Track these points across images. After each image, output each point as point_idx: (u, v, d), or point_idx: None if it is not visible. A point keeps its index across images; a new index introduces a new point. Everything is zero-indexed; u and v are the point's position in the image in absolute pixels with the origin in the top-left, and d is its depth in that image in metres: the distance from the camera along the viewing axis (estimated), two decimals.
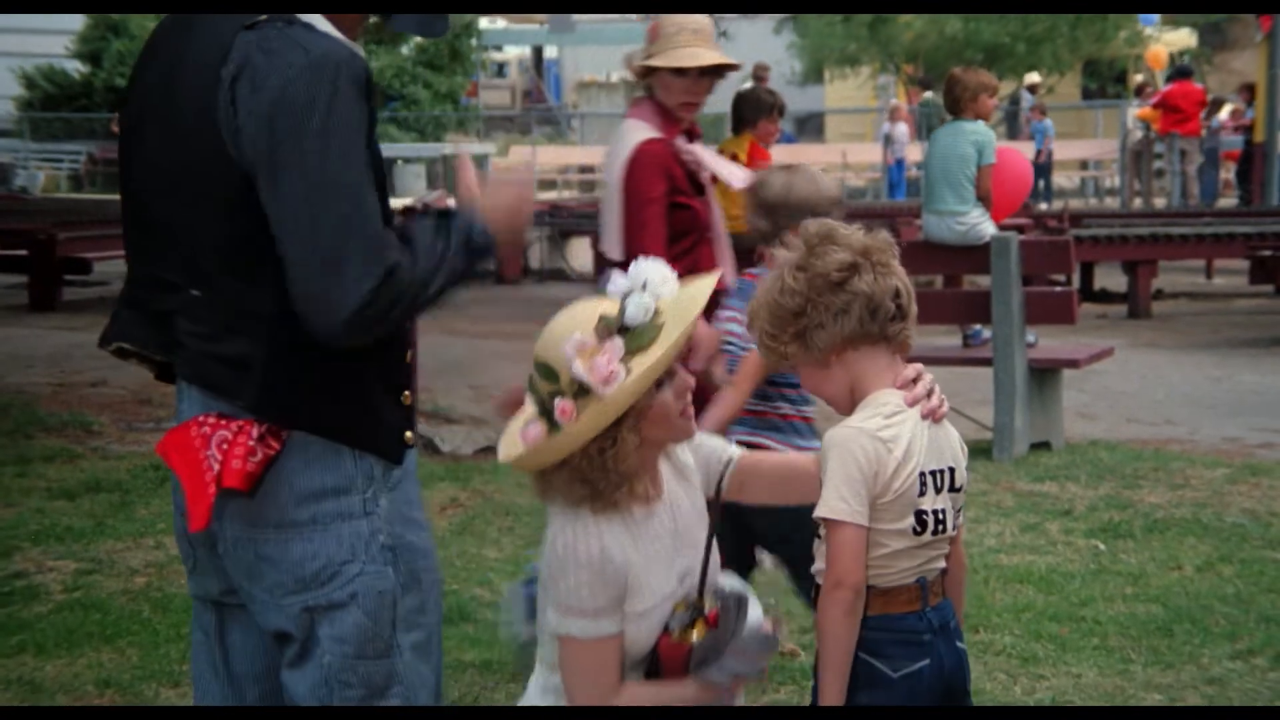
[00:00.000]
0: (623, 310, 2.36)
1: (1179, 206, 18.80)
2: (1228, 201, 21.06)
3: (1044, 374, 7.51)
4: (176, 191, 2.24)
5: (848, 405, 2.56)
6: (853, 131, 33.08)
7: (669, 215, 4.20)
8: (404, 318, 2.26)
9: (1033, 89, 26.64)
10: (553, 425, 2.35)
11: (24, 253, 13.70)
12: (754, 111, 8.53)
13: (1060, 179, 25.56)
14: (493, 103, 43.77)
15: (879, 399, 2.52)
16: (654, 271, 2.39)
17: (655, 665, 2.47)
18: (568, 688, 2.42)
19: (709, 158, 4.46)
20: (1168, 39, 29.11)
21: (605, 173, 4.45)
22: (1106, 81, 34.38)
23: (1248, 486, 6.53)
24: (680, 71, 4.24)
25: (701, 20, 4.37)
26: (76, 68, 35.55)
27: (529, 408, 2.42)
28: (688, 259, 4.13)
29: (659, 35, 4.28)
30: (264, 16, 2.20)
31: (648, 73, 4.30)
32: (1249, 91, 21.43)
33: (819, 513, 2.46)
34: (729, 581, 2.51)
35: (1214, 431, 7.96)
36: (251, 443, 2.19)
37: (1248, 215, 15.56)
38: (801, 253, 2.51)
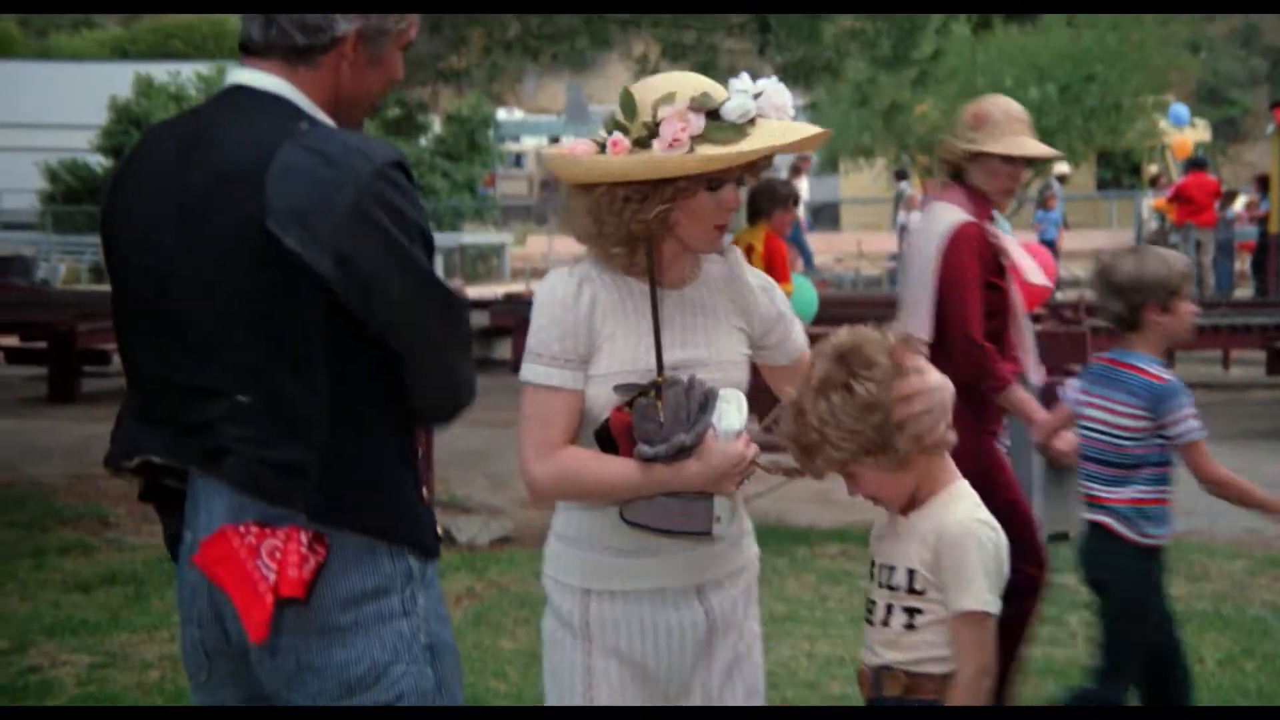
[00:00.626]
0: (725, 100, 2.48)
1: (1194, 297, 18.79)
2: (1243, 292, 21.07)
3: (1061, 467, 7.48)
4: (219, 299, 2.20)
5: (907, 503, 2.64)
6: (867, 221, 33.27)
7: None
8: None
9: (1062, 179, 26.76)
10: (600, 150, 2.51)
11: (44, 344, 13.79)
12: (770, 202, 8.59)
13: (1075, 269, 25.61)
14: (510, 192, 44.21)
15: (962, 490, 2.66)
16: (773, 95, 2.53)
17: (606, 435, 2.54)
18: (518, 436, 2.56)
19: (1011, 245, 4.54)
20: (1185, 133, 29.29)
21: (910, 254, 4.55)
22: (1121, 172, 34.59)
23: (1268, 579, 6.48)
24: (1009, 159, 4.36)
25: (1023, 111, 4.49)
26: (99, 161, 35.99)
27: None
28: (994, 339, 4.32)
29: (988, 121, 4.38)
30: (304, 125, 2.21)
31: (971, 157, 4.40)
32: (1263, 183, 21.53)
33: (971, 606, 2.55)
34: (723, 389, 2.54)
35: (1233, 523, 7.90)
36: (303, 549, 2.17)
37: (1264, 306, 15.57)
38: (863, 363, 2.54)
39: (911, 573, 2.62)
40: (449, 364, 2.31)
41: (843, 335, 2.59)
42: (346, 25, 2.27)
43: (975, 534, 2.57)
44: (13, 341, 15.05)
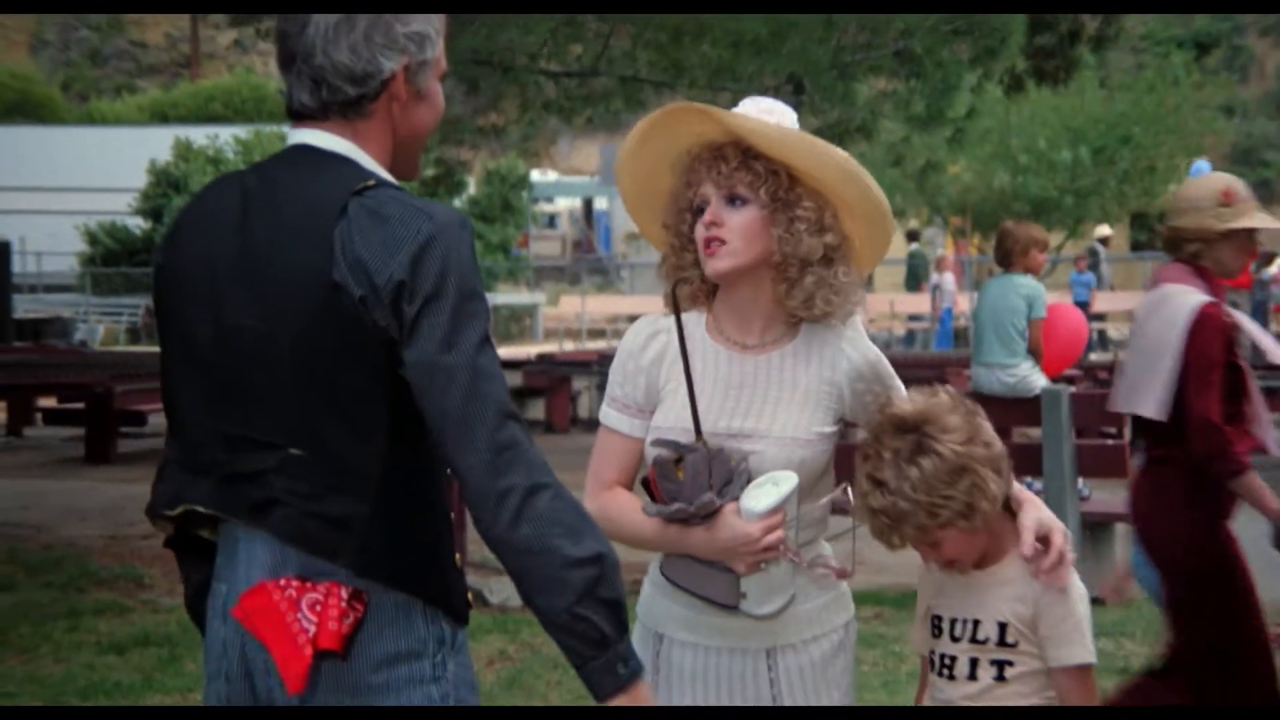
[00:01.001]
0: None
1: None
2: None
3: (1097, 527, 7.43)
4: (279, 352, 2.21)
5: (973, 564, 2.64)
6: (900, 281, 33.25)
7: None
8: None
9: (1105, 241, 26.71)
10: None
11: (81, 405, 13.90)
12: None
13: (1111, 330, 25.53)
14: (543, 253, 44.39)
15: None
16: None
17: (646, 485, 2.58)
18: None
19: (1247, 322, 4.53)
20: None
21: (1142, 335, 4.49)
22: (1156, 235, 34.50)
23: None
24: (1251, 233, 4.39)
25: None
26: (138, 224, 36.37)
27: None
28: (1233, 418, 4.28)
29: (1237, 197, 4.39)
30: (372, 182, 2.23)
31: (1222, 235, 4.38)
32: None
33: (1083, 659, 2.58)
34: (778, 471, 2.52)
35: (1275, 588, 7.80)
36: (343, 604, 2.17)
37: None
38: (941, 426, 2.54)
39: (1003, 626, 2.62)
40: (479, 449, 2.14)
41: (907, 406, 2.57)
42: (391, 64, 2.29)
43: (1078, 588, 2.60)
44: (51, 403, 15.17)
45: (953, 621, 2.68)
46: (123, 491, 10.93)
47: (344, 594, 2.18)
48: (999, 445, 2.58)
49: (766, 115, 2.60)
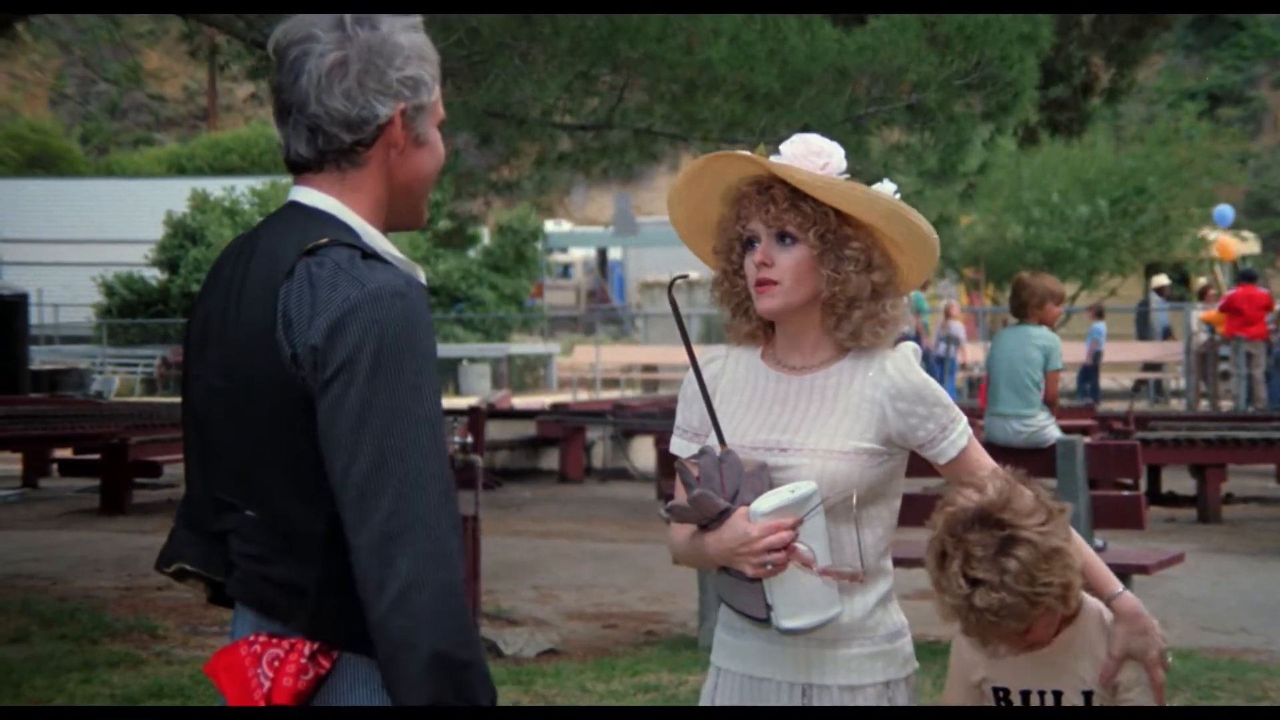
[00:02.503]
0: None
1: (1245, 409, 18.66)
2: None
3: None
4: (234, 412, 2.23)
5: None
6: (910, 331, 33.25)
7: None
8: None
9: (1160, 291, 26.68)
10: None
11: (97, 457, 13.93)
12: None
13: (1125, 380, 25.48)
14: (557, 303, 44.48)
15: (1088, 599, 2.68)
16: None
17: None
18: None
19: None
20: (1230, 237, 29.20)
21: None
22: (1171, 284, 34.48)
23: None
24: None
25: None
26: (155, 275, 36.53)
27: None
28: None
29: None
30: (325, 240, 2.21)
31: None
32: None
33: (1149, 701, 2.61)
34: (800, 482, 2.54)
35: None
36: (303, 660, 2.17)
37: None
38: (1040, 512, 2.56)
39: (1088, 695, 2.60)
40: (369, 530, 2.07)
41: (975, 497, 2.54)
42: (387, 109, 2.27)
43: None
44: (66, 454, 15.20)
45: (1025, 694, 2.63)
46: (137, 543, 10.93)
47: (307, 650, 2.17)
48: (1059, 510, 2.58)
49: (815, 157, 2.63)
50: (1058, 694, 2.61)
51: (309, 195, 2.31)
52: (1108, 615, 2.62)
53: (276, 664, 2.17)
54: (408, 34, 2.31)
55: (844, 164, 2.64)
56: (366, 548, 2.07)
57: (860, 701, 2.60)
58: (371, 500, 2.07)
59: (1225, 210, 27.47)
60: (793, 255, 2.61)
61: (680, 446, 2.75)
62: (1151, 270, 33.56)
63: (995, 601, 2.46)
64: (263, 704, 2.16)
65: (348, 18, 2.28)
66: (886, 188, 2.63)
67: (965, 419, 2.68)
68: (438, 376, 2.19)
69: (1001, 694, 2.66)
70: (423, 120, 2.33)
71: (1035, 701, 2.62)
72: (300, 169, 2.33)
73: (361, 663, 2.21)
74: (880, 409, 2.62)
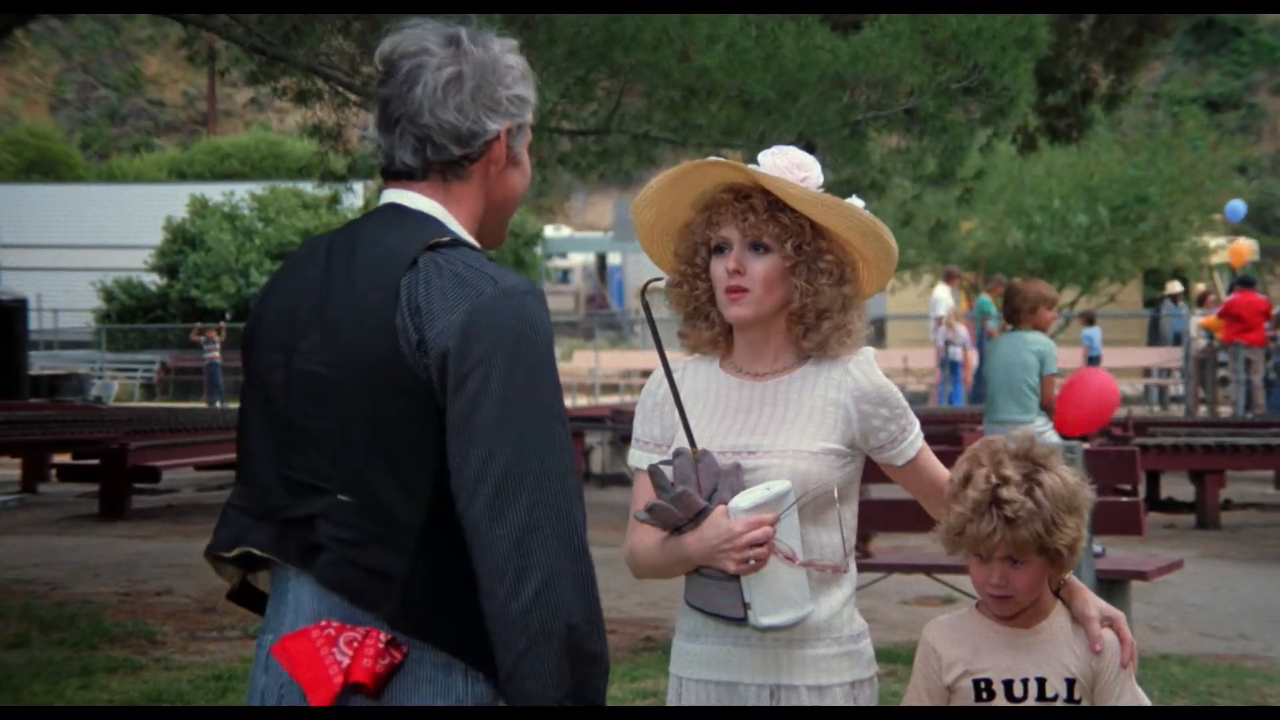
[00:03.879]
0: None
1: (1244, 415, 18.67)
2: None
3: (1112, 585, 7.39)
4: (335, 396, 2.23)
5: (1021, 614, 2.68)
6: (913, 337, 33.25)
7: None
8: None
9: (1175, 299, 26.65)
10: None
11: (96, 462, 13.94)
12: None
13: (1124, 387, 25.49)
14: (557, 308, 44.49)
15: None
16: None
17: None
18: None
19: None
20: (1234, 246, 29.20)
21: None
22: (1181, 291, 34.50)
23: None
24: None
25: None
26: (154, 280, 36.54)
27: None
28: None
29: None
30: (448, 239, 2.25)
31: None
32: None
33: (1145, 703, 2.67)
34: (774, 480, 2.57)
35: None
36: (381, 645, 2.16)
37: None
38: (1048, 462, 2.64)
39: (1071, 682, 2.64)
40: (520, 524, 2.11)
41: (1021, 441, 2.65)
42: (495, 126, 2.33)
43: (1114, 640, 2.68)
44: (66, 459, 15.22)
45: (1008, 683, 2.66)
46: (136, 548, 10.94)
47: (383, 638, 2.17)
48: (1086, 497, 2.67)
49: (795, 170, 2.65)
50: (1041, 680, 2.63)
51: (411, 198, 2.35)
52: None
53: (355, 645, 2.16)
54: (515, 56, 2.38)
55: (821, 178, 2.67)
56: (507, 539, 2.11)
57: (828, 702, 2.64)
58: (511, 493, 2.12)
59: (1237, 205, 27.12)
60: (765, 264, 2.64)
61: (639, 458, 2.76)
62: (1151, 276, 33.61)
63: (1019, 502, 2.56)
64: (340, 681, 2.13)
65: (462, 34, 2.35)
66: (857, 204, 2.66)
67: (918, 429, 2.75)
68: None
69: (983, 685, 2.67)
70: (521, 140, 2.41)
71: (1019, 690, 2.64)
72: (401, 176, 2.36)
73: (426, 662, 2.21)
74: (845, 411, 2.67)
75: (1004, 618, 2.69)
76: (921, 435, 2.75)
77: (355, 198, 16.84)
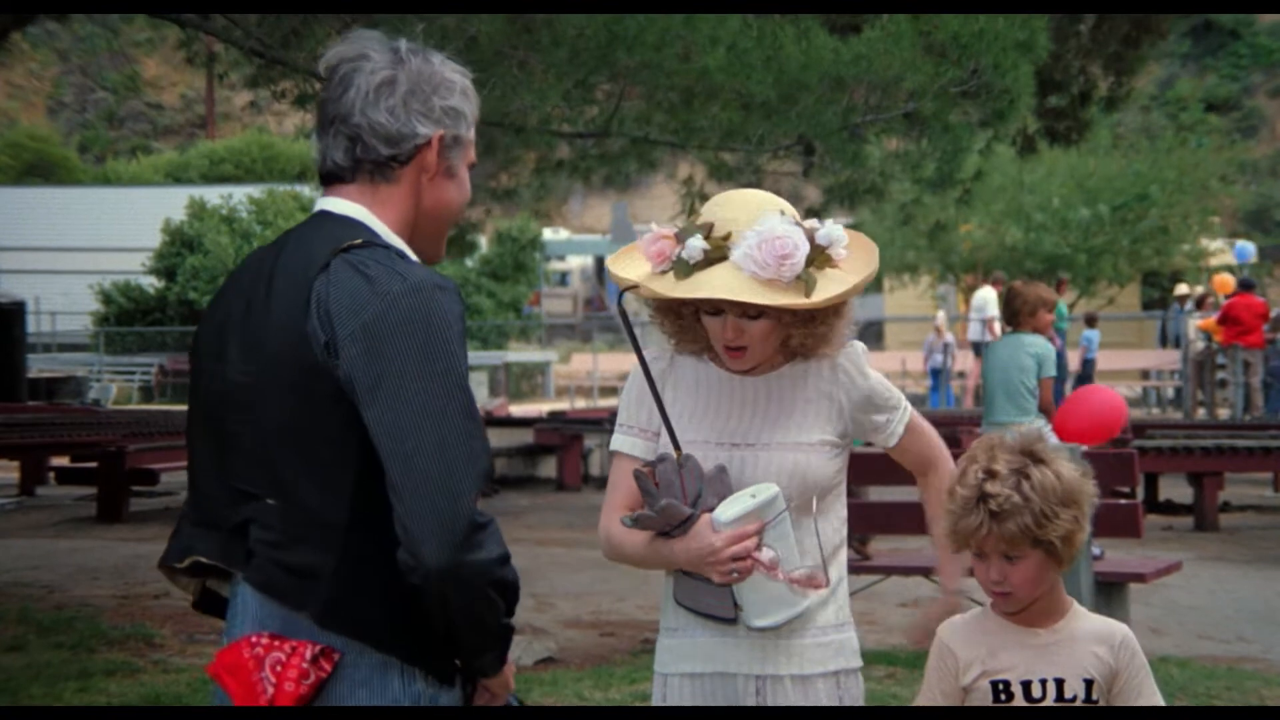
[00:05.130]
0: (691, 238, 2.64)
1: (1243, 418, 18.67)
2: None
3: (1110, 588, 7.39)
4: (257, 401, 2.27)
5: (1034, 615, 2.68)
6: (911, 339, 33.25)
7: None
8: (483, 575, 2.20)
9: (1182, 300, 26.63)
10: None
11: (94, 465, 13.92)
12: None
13: (1121, 389, 25.48)
14: (555, 311, 44.49)
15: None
16: (754, 250, 2.59)
17: None
18: None
19: None
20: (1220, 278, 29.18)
21: None
22: (1168, 293, 34.53)
23: None
24: None
25: None
26: (152, 283, 36.52)
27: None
28: None
29: None
30: (360, 241, 2.27)
31: None
32: None
33: (1161, 702, 2.68)
34: (760, 484, 2.60)
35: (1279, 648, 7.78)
36: (305, 665, 2.19)
37: None
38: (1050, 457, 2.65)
39: (1089, 683, 2.64)
40: (441, 480, 2.15)
41: (1027, 434, 2.67)
42: (426, 131, 2.36)
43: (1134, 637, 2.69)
44: (64, 462, 15.20)
45: (1026, 684, 2.65)
46: (134, 551, 10.93)
47: (308, 653, 2.19)
48: (1091, 495, 2.67)
49: (783, 261, 2.59)
50: (1059, 681, 2.63)
51: (339, 204, 2.38)
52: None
53: (279, 668, 2.19)
54: (456, 74, 2.42)
55: (805, 245, 2.61)
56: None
57: (812, 691, 2.67)
58: (435, 487, 2.16)
59: (1246, 247, 27.37)
60: (760, 326, 2.68)
61: (622, 442, 2.78)
62: (1149, 279, 33.63)
63: (1004, 496, 2.57)
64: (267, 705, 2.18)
65: (403, 45, 2.39)
66: (835, 231, 2.66)
67: (907, 404, 2.83)
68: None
69: (1001, 686, 2.66)
70: (457, 154, 2.42)
71: (1036, 691, 2.64)
72: (333, 179, 2.40)
73: (362, 665, 2.23)
74: (836, 403, 2.74)
75: (1018, 617, 2.68)
76: (909, 411, 2.84)
77: None
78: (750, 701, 2.67)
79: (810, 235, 2.63)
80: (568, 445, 16.79)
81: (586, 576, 9.77)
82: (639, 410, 2.78)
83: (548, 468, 17.00)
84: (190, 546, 2.36)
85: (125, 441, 13.98)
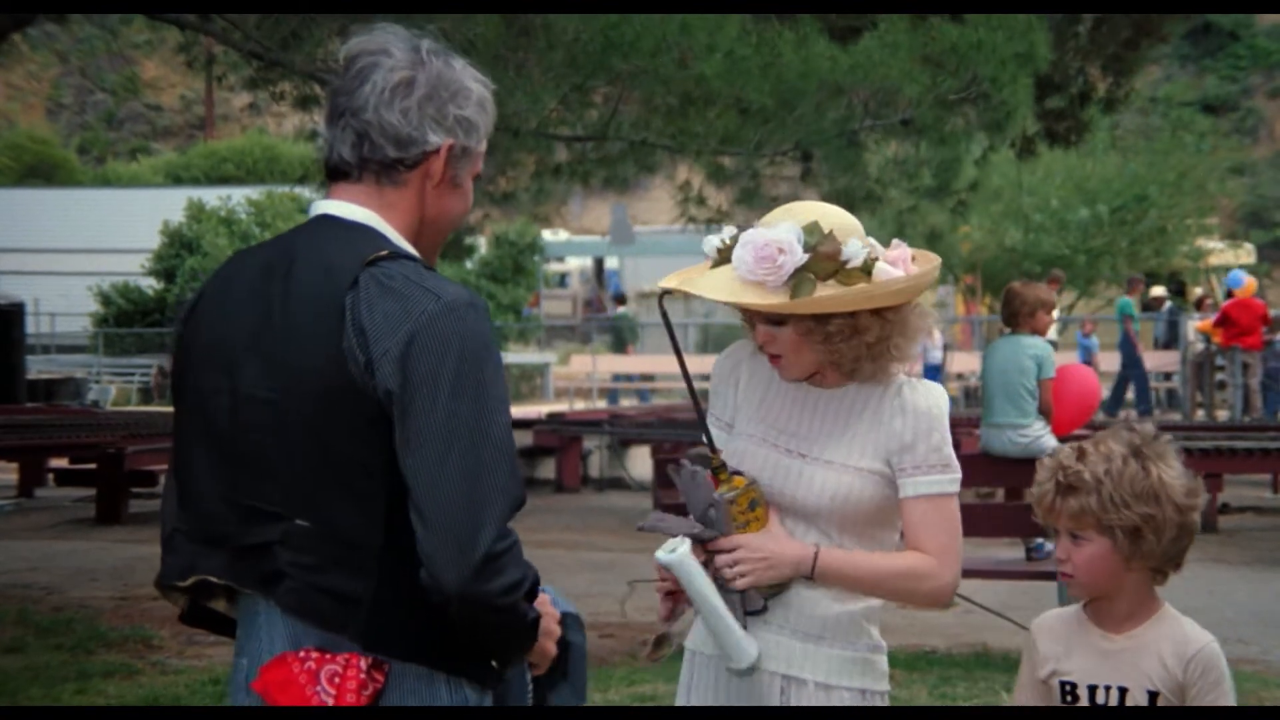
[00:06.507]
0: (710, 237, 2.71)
1: (1241, 419, 18.66)
2: None
3: None
4: (283, 421, 2.22)
5: (1113, 619, 2.71)
6: None
7: None
8: (508, 592, 2.21)
9: (1159, 303, 26.58)
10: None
11: (93, 466, 13.92)
12: None
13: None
14: (554, 312, 44.41)
15: (1173, 610, 2.80)
16: (741, 249, 2.62)
17: None
18: None
19: None
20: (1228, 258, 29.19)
21: None
22: (1171, 294, 34.51)
23: None
24: None
25: None
26: (150, 284, 36.50)
27: None
28: None
29: None
30: (386, 252, 2.23)
31: None
32: None
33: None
34: (672, 542, 2.63)
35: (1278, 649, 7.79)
36: (362, 675, 2.17)
37: None
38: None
39: (1154, 694, 2.62)
40: (465, 506, 2.14)
41: (1147, 429, 2.68)
42: (436, 139, 2.31)
43: (1220, 653, 2.67)
44: (63, 463, 15.20)
45: (1092, 689, 2.66)
46: (133, 552, 10.93)
47: (363, 664, 2.17)
48: (1196, 523, 2.68)
49: (767, 263, 2.60)
50: (1123, 690, 2.63)
51: (343, 208, 2.33)
52: None
53: (336, 680, 2.16)
54: (477, 83, 2.36)
55: (799, 246, 2.62)
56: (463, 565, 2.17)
57: (835, 701, 2.68)
58: (465, 514, 2.16)
59: (1238, 274, 27.41)
60: (785, 334, 2.69)
61: (718, 438, 2.80)
62: (1149, 280, 33.62)
63: (1075, 471, 2.60)
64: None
65: (425, 44, 2.33)
66: (854, 249, 2.62)
67: (951, 478, 2.69)
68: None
69: (1068, 688, 2.68)
70: (464, 165, 2.37)
71: (1101, 697, 2.64)
72: (338, 175, 2.34)
73: (409, 675, 2.21)
74: (892, 431, 2.70)
75: (1098, 618, 2.68)
76: (942, 487, 2.69)
77: None
78: (775, 700, 2.68)
79: (832, 250, 2.60)
80: (567, 447, 16.77)
81: (585, 578, 9.78)
82: (722, 403, 2.85)
83: (547, 469, 17.00)
84: (193, 565, 2.32)
85: (124, 443, 13.97)
